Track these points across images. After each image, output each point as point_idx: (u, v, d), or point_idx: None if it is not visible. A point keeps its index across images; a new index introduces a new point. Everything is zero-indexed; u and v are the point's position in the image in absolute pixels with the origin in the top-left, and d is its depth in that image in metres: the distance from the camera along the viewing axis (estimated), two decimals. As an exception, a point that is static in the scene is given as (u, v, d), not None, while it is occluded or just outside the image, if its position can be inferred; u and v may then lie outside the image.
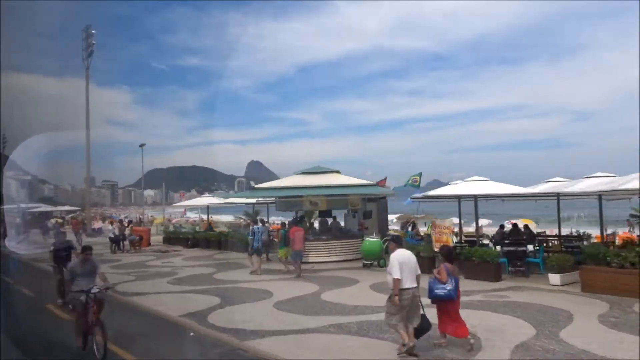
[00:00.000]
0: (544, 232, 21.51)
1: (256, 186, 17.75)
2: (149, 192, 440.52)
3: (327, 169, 19.03)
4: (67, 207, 66.94)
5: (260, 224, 18.36)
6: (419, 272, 7.40)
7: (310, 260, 17.36)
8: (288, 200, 18.35)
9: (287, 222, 20.16)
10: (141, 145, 32.25)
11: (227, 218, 72.02)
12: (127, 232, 26.31)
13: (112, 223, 60.54)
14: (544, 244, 16.97)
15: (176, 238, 28.55)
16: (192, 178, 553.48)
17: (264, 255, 17.69)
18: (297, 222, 17.63)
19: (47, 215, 62.68)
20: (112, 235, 23.67)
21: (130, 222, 26.17)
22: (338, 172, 18.92)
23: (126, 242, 24.38)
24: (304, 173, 18.98)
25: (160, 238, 31.02)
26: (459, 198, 17.66)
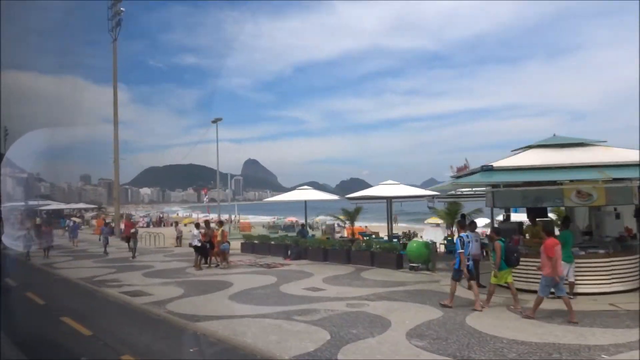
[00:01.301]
0: None
1: (495, 165, 10.64)
2: (145, 191, 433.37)
3: (583, 140, 11.84)
4: (81, 205, 59.64)
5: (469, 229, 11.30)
6: None
7: (581, 290, 10.42)
8: (530, 189, 11.21)
9: (496, 225, 13.17)
10: (215, 120, 24.55)
11: (260, 219, 64.56)
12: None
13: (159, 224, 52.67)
14: None
15: (265, 245, 21.30)
16: (188, 176, 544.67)
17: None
18: (549, 226, 10.52)
19: (59, 213, 55.23)
20: (198, 243, 16.40)
21: (221, 223, 18.78)
22: (604, 141, 11.75)
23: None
24: (544, 146, 11.82)
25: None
26: None
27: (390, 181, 17.51)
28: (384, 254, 15.92)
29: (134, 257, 20.40)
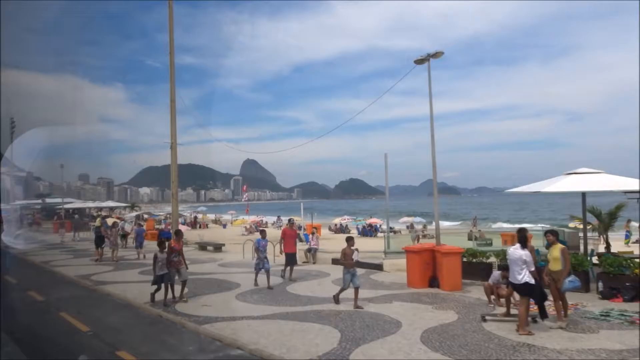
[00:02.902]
0: None
1: None
2: (144, 190, 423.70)
3: None
4: (109, 203, 51.23)
5: None
6: None
7: None
8: None
9: None
10: (420, 60, 14.71)
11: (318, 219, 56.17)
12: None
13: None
14: None
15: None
16: (187, 176, 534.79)
17: None
18: None
19: (80, 212, 46.88)
20: (531, 279, 8.06)
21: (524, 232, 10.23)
22: None
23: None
24: None
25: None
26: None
27: None
28: None
29: (337, 302, 10.48)
